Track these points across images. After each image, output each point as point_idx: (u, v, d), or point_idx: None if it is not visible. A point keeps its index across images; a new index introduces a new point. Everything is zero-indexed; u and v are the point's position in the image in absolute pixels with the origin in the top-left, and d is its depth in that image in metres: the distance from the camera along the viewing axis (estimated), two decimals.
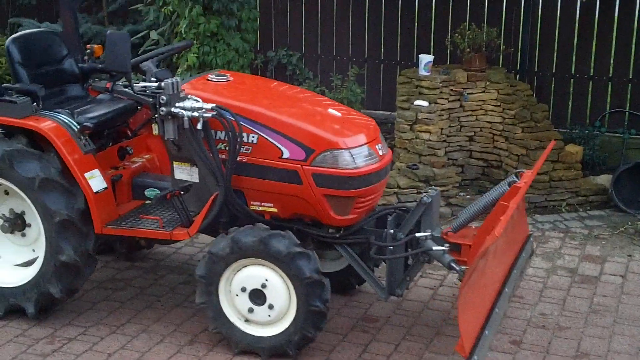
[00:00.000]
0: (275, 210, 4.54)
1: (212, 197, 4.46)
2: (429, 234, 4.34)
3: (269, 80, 5.54)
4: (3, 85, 4.77)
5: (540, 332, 4.74)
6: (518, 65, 8.07)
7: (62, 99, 4.99)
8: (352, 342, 4.63)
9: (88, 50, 5.29)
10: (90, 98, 5.15)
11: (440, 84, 7.37)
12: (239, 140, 4.36)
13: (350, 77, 8.16)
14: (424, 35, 8.42)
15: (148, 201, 4.85)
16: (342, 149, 4.29)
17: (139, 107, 4.98)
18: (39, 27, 8.29)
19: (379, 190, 4.51)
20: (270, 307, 4.31)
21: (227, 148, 4.43)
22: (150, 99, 4.56)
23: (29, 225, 4.86)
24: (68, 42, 5.21)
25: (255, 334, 4.40)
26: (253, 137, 4.41)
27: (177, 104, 4.37)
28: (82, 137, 4.64)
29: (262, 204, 4.54)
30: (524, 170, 4.33)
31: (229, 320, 4.43)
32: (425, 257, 4.38)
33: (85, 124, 4.66)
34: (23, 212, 4.83)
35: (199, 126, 4.37)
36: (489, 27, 7.69)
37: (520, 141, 7.13)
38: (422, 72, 7.49)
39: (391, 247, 4.36)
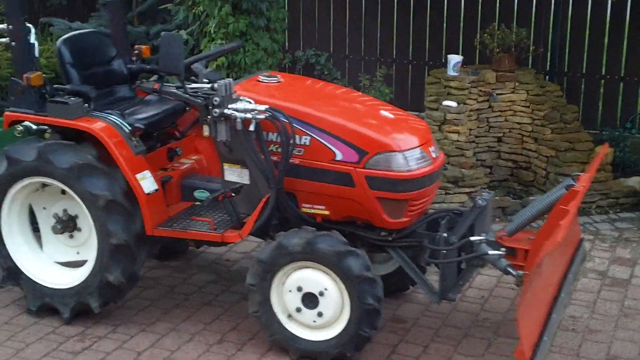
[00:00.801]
0: (327, 212, 4.52)
1: (264, 199, 4.44)
2: (484, 237, 4.29)
3: (316, 80, 5.49)
4: (54, 85, 4.80)
5: (570, 335, 4.72)
6: (548, 66, 8.04)
7: (111, 100, 5.00)
8: (380, 343, 4.63)
9: (136, 51, 5.30)
10: (138, 99, 5.15)
11: (469, 85, 7.35)
12: (292, 142, 4.34)
13: (379, 77, 8.15)
14: (453, 35, 8.40)
15: (197, 203, 4.83)
16: (395, 151, 4.26)
17: (187, 108, 4.98)
18: (70, 27, 8.36)
19: (431, 193, 4.48)
20: (324, 306, 4.28)
21: (278, 150, 4.42)
22: (199, 100, 4.54)
23: (79, 229, 4.88)
24: (116, 42, 5.23)
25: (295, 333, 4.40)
26: (305, 139, 4.39)
27: (230, 106, 4.34)
28: (133, 138, 4.64)
29: (314, 206, 4.52)
30: (580, 173, 4.28)
31: (278, 321, 4.41)
32: (479, 261, 4.34)
33: (136, 125, 4.67)
34: (76, 216, 4.85)
35: (252, 128, 4.35)
36: (518, 28, 7.67)
37: (549, 142, 7.10)
38: (451, 72, 7.48)
39: (444, 251, 4.31)
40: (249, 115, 4.33)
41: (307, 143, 4.40)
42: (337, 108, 4.62)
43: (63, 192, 4.83)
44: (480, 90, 7.36)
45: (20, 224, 4.95)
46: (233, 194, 4.54)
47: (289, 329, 4.41)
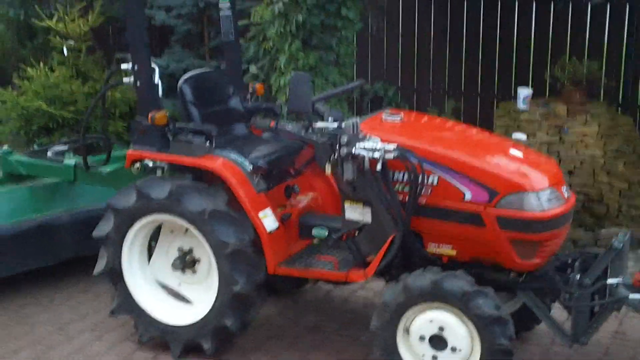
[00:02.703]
0: (454, 253, 4.46)
1: (390, 238, 4.40)
2: (621, 280, 4.23)
3: (434, 117, 5.51)
4: (177, 124, 4.88)
5: None
6: (620, 99, 7.93)
7: (228, 138, 5.06)
8: None
9: (250, 90, 5.39)
10: (254, 137, 5.22)
11: (539, 117, 7.31)
12: (421, 182, 4.31)
13: (447, 110, 8.13)
14: (523, 68, 8.39)
15: (315, 241, 4.85)
16: (528, 191, 4.19)
17: (303, 146, 5.01)
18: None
19: (563, 234, 4.40)
20: (454, 349, 4.19)
21: (404, 189, 4.39)
22: (315, 138, 4.57)
23: (198, 260, 4.95)
24: (232, 81, 5.34)
25: None
26: (433, 178, 4.35)
27: (357, 145, 4.33)
28: (254, 177, 4.69)
29: (441, 246, 4.47)
30: None
31: None
32: (616, 305, 4.27)
33: (259, 164, 4.72)
34: (191, 249, 4.92)
35: (379, 167, 4.32)
36: (590, 60, 7.60)
37: (622, 175, 7.01)
38: (521, 105, 7.45)
39: (578, 294, 4.23)
40: (377, 155, 4.30)
41: (435, 183, 4.36)
42: (464, 146, 4.59)
43: (172, 231, 4.91)
44: (551, 124, 7.29)
45: (141, 257, 5.01)
46: (357, 233, 4.53)
47: None
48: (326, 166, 4.54)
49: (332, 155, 4.47)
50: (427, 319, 4.21)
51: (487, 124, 8.27)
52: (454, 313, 4.15)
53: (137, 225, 4.85)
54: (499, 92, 8.52)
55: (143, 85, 4.85)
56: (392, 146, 4.31)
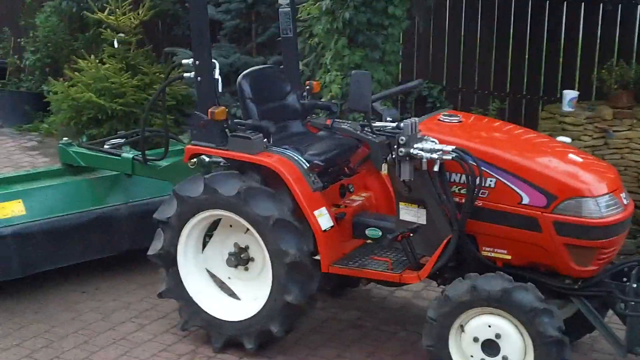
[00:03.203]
0: (508, 257, 4.44)
1: (445, 240, 4.40)
2: None
3: (494, 120, 5.49)
4: (235, 120, 4.94)
5: None
6: None
7: (285, 135, 5.09)
8: None
9: (307, 87, 5.43)
10: (310, 134, 5.25)
11: (585, 120, 7.28)
12: (478, 184, 4.30)
13: (492, 111, 8.13)
14: (569, 70, 8.36)
15: (369, 240, 4.86)
16: (587, 196, 4.17)
17: (359, 145, 5.04)
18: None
19: (621, 241, 4.37)
20: (504, 358, 4.19)
21: (460, 191, 4.40)
22: (371, 137, 4.58)
23: (253, 260, 5.00)
24: (289, 77, 5.38)
25: None
26: (491, 180, 4.34)
27: (416, 145, 4.32)
28: (310, 175, 4.71)
29: (495, 250, 4.45)
30: None
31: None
32: None
33: (315, 161, 4.74)
34: (247, 247, 4.97)
35: (436, 168, 4.33)
36: (637, 64, 7.54)
37: None
38: (566, 107, 7.42)
39: (634, 303, 4.21)
40: (435, 156, 4.29)
41: (492, 185, 4.35)
42: (523, 149, 4.56)
43: (230, 225, 4.97)
44: (596, 127, 7.26)
45: (196, 245, 5.06)
46: (412, 234, 4.53)
47: None
48: (382, 166, 4.57)
49: (390, 155, 4.48)
50: (486, 323, 4.19)
51: (531, 126, 8.20)
52: (515, 324, 4.12)
53: (200, 216, 4.89)
54: (544, 93, 8.48)
55: (204, 81, 4.88)
56: (450, 147, 4.30)
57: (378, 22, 7.29)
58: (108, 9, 8.85)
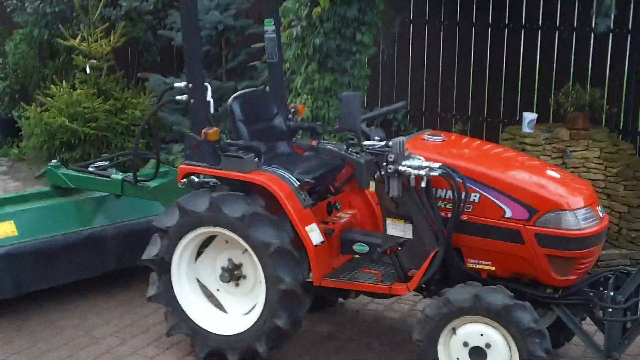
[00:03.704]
0: (493, 268, 4.60)
1: (432, 254, 4.56)
2: None
3: (474, 139, 5.71)
4: (227, 141, 5.08)
5: None
6: (621, 125, 8.24)
7: (273, 155, 5.26)
8: None
9: (292, 109, 5.63)
10: (297, 154, 5.43)
11: (543, 141, 7.55)
12: (464, 199, 4.46)
13: (454, 133, 8.38)
14: (528, 93, 8.67)
15: (356, 256, 5.03)
16: (566, 210, 4.35)
17: (343, 165, 5.22)
18: (165, 82, 8.85)
19: (598, 251, 4.57)
20: None
21: (446, 206, 4.56)
22: (355, 157, 4.78)
23: (245, 277, 5.13)
24: (275, 100, 5.56)
25: None
26: (475, 196, 4.51)
27: (404, 162, 4.48)
28: (301, 192, 4.88)
29: (480, 262, 4.61)
30: None
31: None
32: None
33: (306, 180, 4.92)
34: (241, 264, 5.11)
35: (423, 184, 4.48)
36: (592, 88, 7.88)
37: (622, 199, 7.27)
38: (526, 129, 7.70)
39: (611, 310, 4.40)
40: (422, 172, 4.46)
41: (477, 200, 4.51)
42: (504, 166, 4.74)
43: (226, 241, 5.09)
44: (554, 147, 7.54)
45: (188, 274, 5.20)
46: (399, 248, 4.70)
47: None
48: (370, 183, 4.73)
49: (377, 173, 4.65)
50: (479, 331, 4.33)
51: None
52: (506, 339, 4.27)
53: (200, 231, 5.01)
54: (504, 116, 8.78)
55: (197, 103, 5.03)
56: (437, 164, 4.48)
57: (347, 48, 7.53)
58: (80, 35, 9.00)
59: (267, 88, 5.92)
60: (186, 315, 5.13)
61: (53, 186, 6.36)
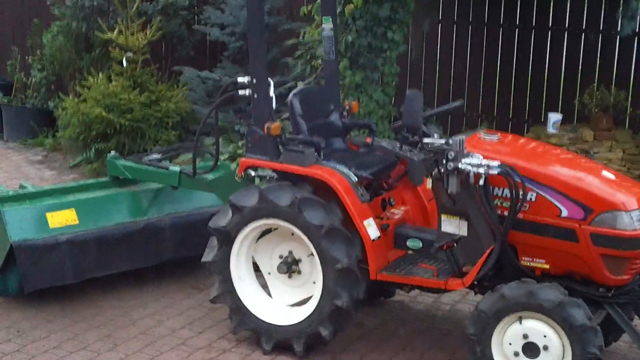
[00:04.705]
0: (547, 266, 4.65)
1: (488, 250, 4.63)
2: None
3: (530, 139, 5.75)
4: (288, 136, 5.19)
5: None
6: None
7: (329, 151, 5.33)
8: None
9: (347, 107, 5.72)
10: (352, 151, 5.52)
11: (567, 141, 7.72)
12: (522, 198, 4.54)
13: None
14: (553, 94, 8.80)
15: (409, 251, 5.12)
16: (622, 210, 4.40)
17: (397, 162, 5.33)
18: (199, 76, 9.04)
19: None
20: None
21: (502, 204, 4.64)
22: (409, 155, 4.89)
23: (300, 273, 5.24)
24: (331, 98, 5.66)
25: None
26: (532, 194, 4.57)
27: (463, 160, 4.55)
28: (359, 188, 4.97)
29: (534, 259, 4.66)
30: None
31: None
32: None
33: (365, 175, 5.03)
34: (300, 260, 5.20)
35: (481, 182, 4.56)
36: (617, 89, 7.99)
37: None
38: (551, 129, 7.88)
39: None
40: (481, 170, 4.52)
41: (533, 199, 4.56)
42: (561, 166, 4.83)
43: (292, 233, 5.13)
44: (578, 148, 7.68)
45: (248, 269, 5.31)
46: (455, 244, 4.79)
47: None
48: (427, 180, 4.84)
49: (435, 170, 4.74)
50: (543, 332, 4.35)
51: None
52: (560, 336, 4.31)
53: (254, 225, 5.12)
54: (529, 116, 8.91)
55: (260, 98, 5.12)
56: (495, 163, 4.55)
57: (378, 46, 7.71)
58: (117, 29, 9.24)
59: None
60: (248, 311, 5.24)
61: (111, 176, 6.48)
